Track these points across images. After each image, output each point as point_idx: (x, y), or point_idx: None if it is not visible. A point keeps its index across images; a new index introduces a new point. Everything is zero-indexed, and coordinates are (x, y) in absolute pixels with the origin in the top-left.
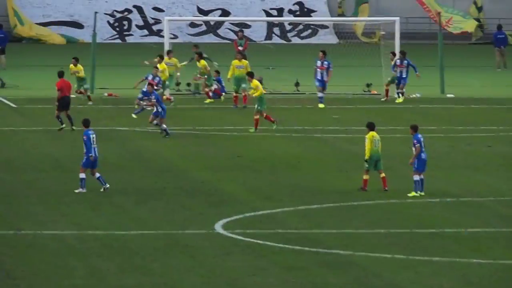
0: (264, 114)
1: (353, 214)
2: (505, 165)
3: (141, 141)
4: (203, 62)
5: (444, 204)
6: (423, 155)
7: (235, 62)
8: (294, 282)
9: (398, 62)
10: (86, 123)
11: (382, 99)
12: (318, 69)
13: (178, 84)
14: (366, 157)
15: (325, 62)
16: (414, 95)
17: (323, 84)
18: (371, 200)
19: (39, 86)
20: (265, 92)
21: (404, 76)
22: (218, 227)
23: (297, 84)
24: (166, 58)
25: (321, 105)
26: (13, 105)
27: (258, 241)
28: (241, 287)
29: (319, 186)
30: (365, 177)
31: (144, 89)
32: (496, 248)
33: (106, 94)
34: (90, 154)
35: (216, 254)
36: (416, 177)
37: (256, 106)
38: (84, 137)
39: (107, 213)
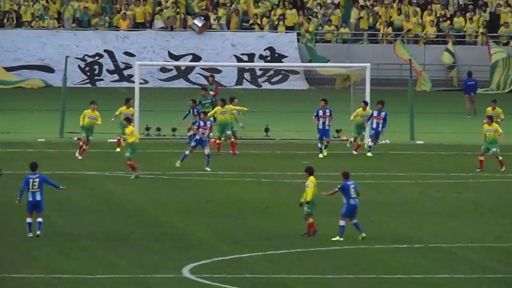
0: (129, 162)
1: (321, 259)
2: (474, 212)
3: (111, 185)
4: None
5: (412, 250)
6: (351, 201)
7: (218, 108)
8: None
9: (375, 113)
10: (32, 167)
11: (348, 145)
12: (321, 118)
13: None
14: (309, 199)
15: (327, 110)
16: (383, 142)
17: (328, 134)
18: (339, 245)
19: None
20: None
21: (379, 129)
22: (186, 271)
23: (267, 130)
24: (124, 107)
25: (321, 155)
26: None
27: (226, 286)
28: None
29: (287, 231)
30: (309, 221)
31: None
32: None
33: (75, 138)
34: (18, 199)
35: None
36: (342, 223)
37: (127, 153)
38: (23, 182)
39: (76, 256)
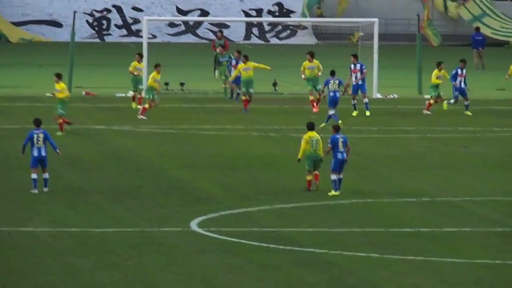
0: (60, 119)
1: (329, 213)
2: (481, 166)
3: (118, 139)
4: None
5: (420, 204)
6: (339, 155)
7: (241, 65)
8: (269, 280)
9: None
10: (36, 123)
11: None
12: (353, 73)
13: (166, 84)
14: (298, 157)
15: (358, 65)
16: (391, 96)
17: (363, 89)
18: (347, 199)
19: (17, 84)
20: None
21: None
22: (194, 225)
23: (275, 84)
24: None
25: (355, 113)
26: None
27: (233, 239)
28: (216, 285)
29: (295, 186)
30: (307, 178)
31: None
32: (471, 247)
33: (84, 93)
34: (22, 154)
35: (191, 252)
36: (333, 177)
37: (60, 110)
38: (26, 136)
39: (83, 211)
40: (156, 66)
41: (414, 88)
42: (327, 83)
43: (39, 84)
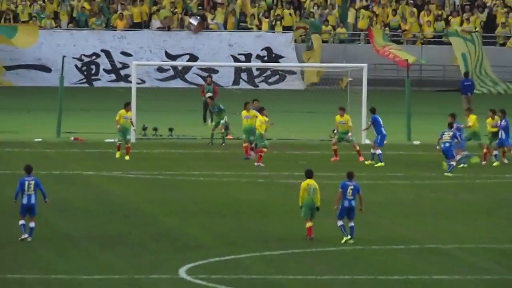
0: None
1: (318, 260)
2: (470, 212)
3: (107, 185)
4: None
5: (408, 251)
6: (345, 202)
7: (244, 112)
8: None
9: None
10: (27, 169)
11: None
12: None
13: (155, 129)
14: (300, 204)
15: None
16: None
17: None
18: (336, 246)
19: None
20: (230, 137)
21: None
22: (183, 272)
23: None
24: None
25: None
26: None
27: (222, 287)
28: None
29: (284, 232)
30: (306, 225)
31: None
32: None
33: (72, 138)
34: (14, 200)
35: None
36: (339, 222)
37: None
38: (18, 183)
39: (72, 257)
40: (126, 105)
41: (403, 134)
42: (442, 135)
43: (27, 129)
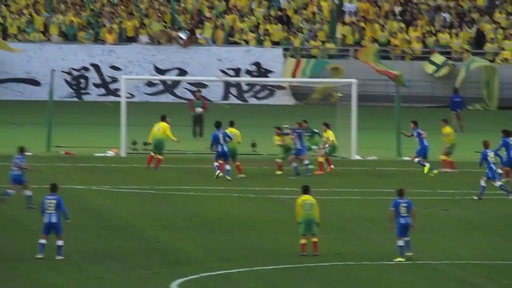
0: None
1: (309, 275)
2: (460, 228)
3: (98, 199)
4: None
5: (399, 267)
6: (401, 220)
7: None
8: None
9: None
10: (52, 188)
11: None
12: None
13: (134, 143)
14: (297, 220)
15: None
16: (370, 157)
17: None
18: (327, 262)
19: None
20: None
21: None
22: (174, 287)
23: (253, 145)
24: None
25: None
26: None
27: None
28: None
29: (275, 247)
30: (301, 241)
31: None
32: None
33: (63, 152)
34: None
35: None
36: (399, 243)
37: None
38: (42, 201)
39: (63, 271)
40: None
41: (393, 149)
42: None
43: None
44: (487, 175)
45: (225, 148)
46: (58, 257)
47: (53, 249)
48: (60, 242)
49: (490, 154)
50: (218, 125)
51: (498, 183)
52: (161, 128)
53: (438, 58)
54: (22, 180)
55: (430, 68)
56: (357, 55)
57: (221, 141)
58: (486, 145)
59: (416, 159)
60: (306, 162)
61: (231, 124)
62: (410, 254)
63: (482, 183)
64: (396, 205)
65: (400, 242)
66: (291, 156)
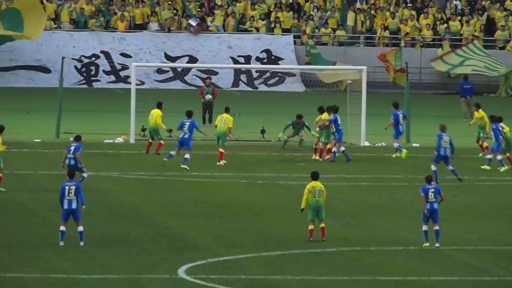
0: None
1: (316, 261)
2: (468, 214)
3: (106, 185)
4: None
5: (407, 253)
6: (427, 205)
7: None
8: None
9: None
10: (70, 174)
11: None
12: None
13: (143, 129)
14: (302, 206)
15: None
16: (379, 144)
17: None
18: (335, 247)
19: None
20: (229, 139)
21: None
22: (181, 272)
23: (263, 132)
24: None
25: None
26: None
27: (221, 287)
28: None
29: (283, 233)
30: (309, 227)
31: None
32: None
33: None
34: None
35: None
36: (424, 228)
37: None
38: (60, 188)
39: (71, 257)
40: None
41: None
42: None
43: (26, 130)
44: (436, 158)
45: (186, 136)
46: (81, 243)
47: (59, 234)
48: (81, 228)
49: (445, 138)
50: (189, 114)
51: (450, 167)
52: (154, 115)
53: (453, 59)
54: (77, 167)
55: (443, 67)
56: (380, 56)
57: (186, 129)
58: (442, 128)
59: (396, 144)
60: (342, 148)
61: (227, 110)
62: (437, 245)
63: (433, 167)
64: (425, 190)
65: (425, 227)
66: (333, 142)
